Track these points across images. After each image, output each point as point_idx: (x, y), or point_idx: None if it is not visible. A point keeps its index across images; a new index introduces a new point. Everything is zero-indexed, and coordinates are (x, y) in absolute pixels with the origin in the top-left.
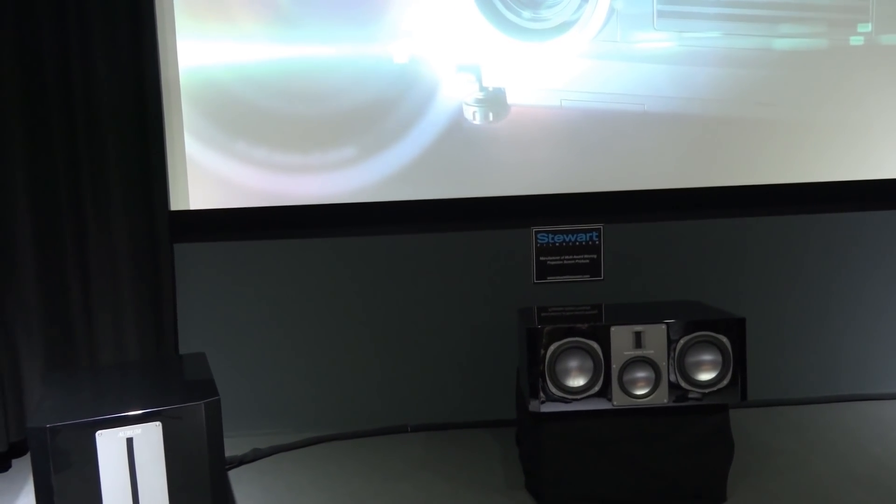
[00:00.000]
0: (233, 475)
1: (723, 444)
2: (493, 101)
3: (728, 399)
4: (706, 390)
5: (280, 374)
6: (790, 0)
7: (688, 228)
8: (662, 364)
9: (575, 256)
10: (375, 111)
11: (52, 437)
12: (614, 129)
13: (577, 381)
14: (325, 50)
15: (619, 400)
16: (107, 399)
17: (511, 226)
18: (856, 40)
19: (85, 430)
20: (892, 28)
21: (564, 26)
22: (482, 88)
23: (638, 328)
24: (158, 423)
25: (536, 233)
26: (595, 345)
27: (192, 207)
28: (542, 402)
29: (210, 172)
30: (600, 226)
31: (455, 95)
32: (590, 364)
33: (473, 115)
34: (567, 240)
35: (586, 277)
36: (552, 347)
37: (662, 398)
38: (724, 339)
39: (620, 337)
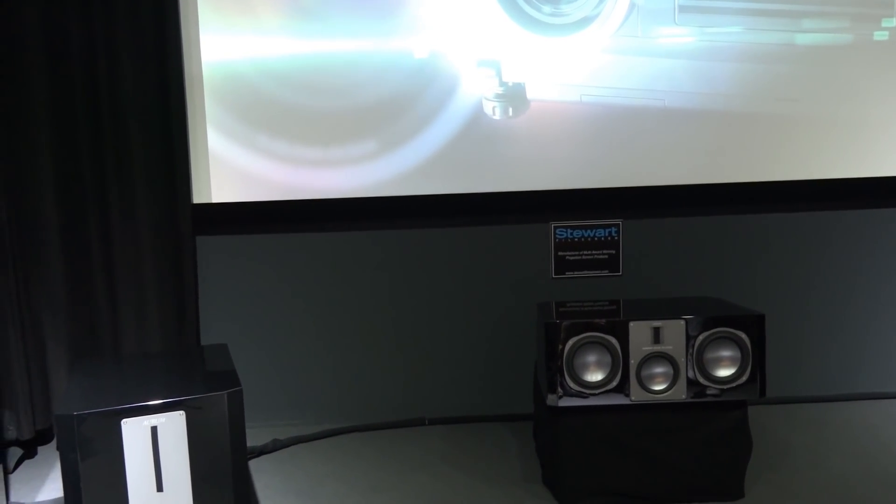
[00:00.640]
0: (253, 465)
1: (741, 440)
2: (513, 96)
3: (747, 395)
4: (724, 386)
5: (300, 365)
6: None
7: (708, 224)
8: (681, 360)
9: (593, 252)
10: (396, 106)
11: (78, 425)
12: (634, 124)
13: (595, 376)
14: (346, 44)
15: (636, 395)
16: (132, 388)
17: (530, 221)
18: (880, 35)
19: (111, 418)
20: None
21: (585, 21)
22: (502, 83)
23: (656, 323)
24: (182, 412)
25: (555, 228)
26: (613, 340)
27: (215, 200)
28: (560, 397)
29: (232, 166)
30: (619, 221)
31: (475, 90)
32: (608, 359)
33: (493, 110)
34: (586, 235)
35: (605, 273)
36: (570, 342)
37: (680, 394)
38: (744, 336)
39: (639, 332)
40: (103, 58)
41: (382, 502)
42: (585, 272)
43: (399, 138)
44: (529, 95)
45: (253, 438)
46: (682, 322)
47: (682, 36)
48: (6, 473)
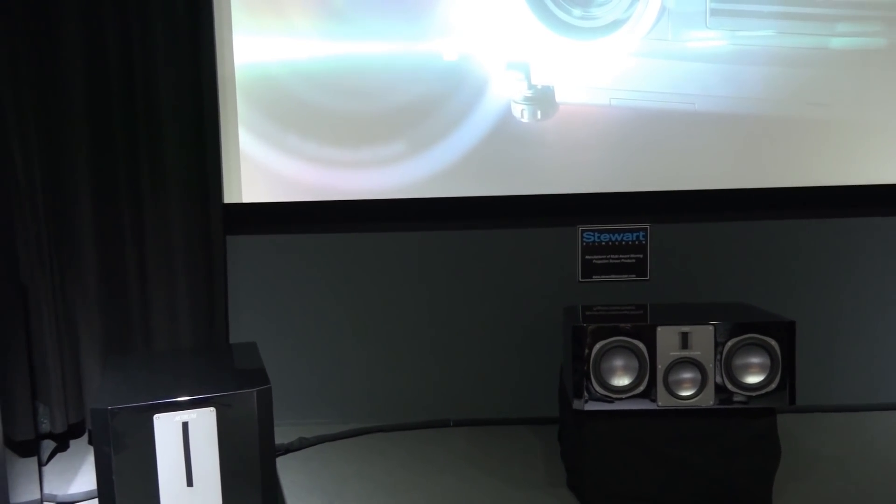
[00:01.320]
0: (279, 463)
1: (769, 448)
2: (542, 99)
3: (776, 403)
4: (753, 393)
5: (326, 365)
6: None
7: (737, 230)
8: (709, 366)
9: (621, 256)
10: (425, 108)
11: (112, 418)
12: (664, 128)
13: (622, 381)
14: (376, 47)
15: (663, 401)
16: (163, 384)
17: (557, 224)
18: None
19: (143, 413)
20: None
21: (615, 24)
22: (531, 86)
23: (685, 329)
24: (213, 409)
25: (582, 231)
26: (640, 344)
27: (245, 200)
28: (586, 401)
29: (262, 166)
30: (647, 225)
31: (503, 93)
32: (635, 364)
33: (522, 113)
34: (613, 239)
35: (632, 277)
36: (597, 346)
37: (708, 400)
38: (773, 342)
39: (667, 337)
40: (139, 60)
41: (407, 503)
42: (612, 276)
43: (428, 140)
44: (558, 98)
45: (279, 436)
46: (711, 327)
47: (713, 39)
48: (40, 465)
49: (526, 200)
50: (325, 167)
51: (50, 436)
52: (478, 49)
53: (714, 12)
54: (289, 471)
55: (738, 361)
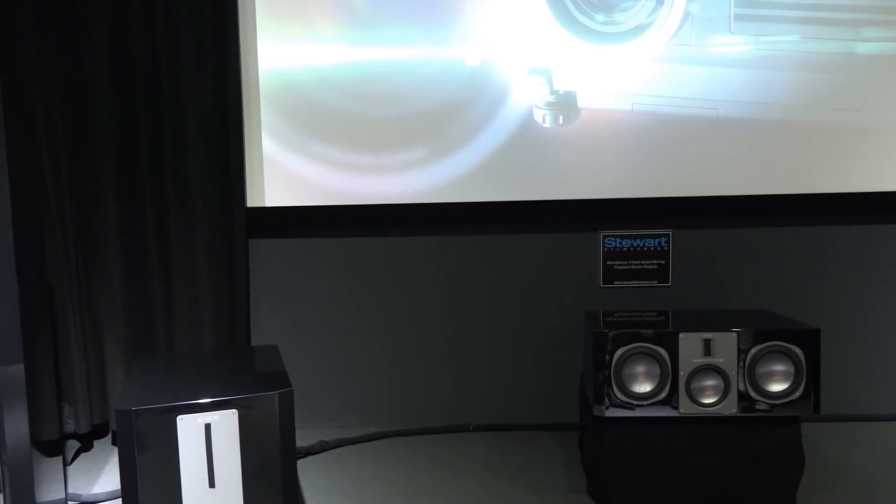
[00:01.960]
0: (299, 465)
1: (793, 457)
2: (564, 105)
3: (800, 411)
4: (777, 402)
5: (346, 368)
6: (874, 3)
7: (761, 236)
8: (732, 373)
9: (643, 262)
10: (446, 113)
11: (136, 420)
12: (687, 133)
13: (644, 387)
14: (399, 52)
15: (685, 408)
16: (186, 386)
17: (579, 229)
18: None
19: (167, 414)
20: None
21: (638, 30)
22: (553, 92)
23: (707, 335)
24: (235, 411)
25: (604, 237)
26: (662, 351)
27: (268, 204)
28: (607, 407)
29: (285, 171)
30: (669, 231)
31: (525, 98)
32: (656, 370)
33: (543, 119)
34: (635, 245)
35: (654, 283)
36: (619, 352)
37: (731, 408)
38: (798, 350)
39: (689, 344)
40: (165, 66)
41: None
42: (634, 282)
43: (450, 145)
44: (580, 104)
45: (300, 439)
46: (734, 334)
47: (737, 45)
48: (64, 465)
49: (547, 206)
50: (347, 172)
51: (74, 436)
52: (500, 54)
53: (738, 17)
54: (309, 473)
55: (762, 369)
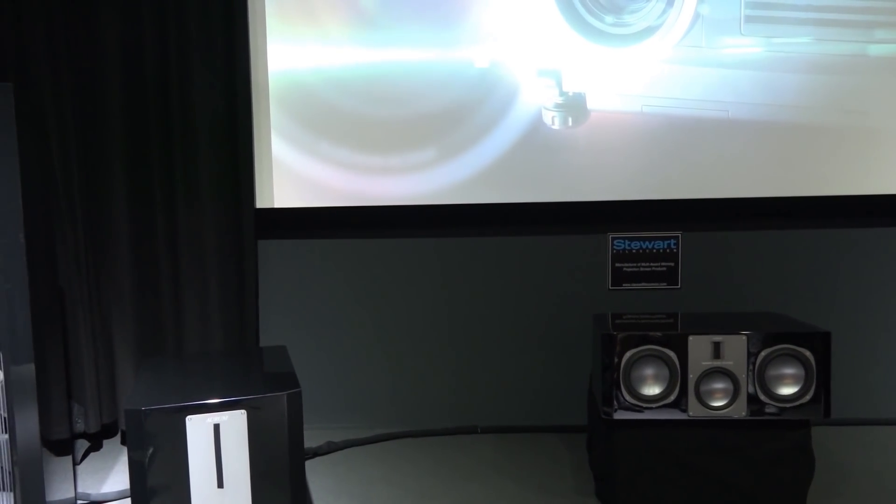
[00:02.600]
0: (307, 466)
1: (803, 461)
2: (573, 106)
3: (810, 415)
4: (787, 405)
5: (355, 370)
6: (886, 4)
7: (771, 238)
8: (741, 376)
9: (651, 264)
10: (455, 114)
11: (146, 419)
12: (696, 135)
13: (652, 390)
14: (408, 54)
15: (694, 410)
16: (195, 386)
17: (588, 231)
18: None
19: (176, 414)
20: None
21: (648, 31)
22: (562, 93)
23: (717, 338)
24: (243, 412)
25: (613, 239)
26: (672, 353)
27: (277, 205)
28: (616, 410)
29: (294, 172)
30: (678, 233)
31: (535, 100)
32: (665, 373)
33: (553, 120)
34: (644, 247)
35: (663, 285)
36: (627, 354)
37: (740, 411)
38: (808, 353)
39: (698, 346)
40: (175, 68)
41: None
42: (643, 284)
43: (458, 147)
44: (590, 105)
45: (308, 440)
46: (744, 337)
47: (747, 46)
48: (74, 465)
49: (556, 207)
50: (356, 173)
51: (84, 435)
52: (509, 56)
53: (749, 19)
54: (317, 474)
55: (772, 372)
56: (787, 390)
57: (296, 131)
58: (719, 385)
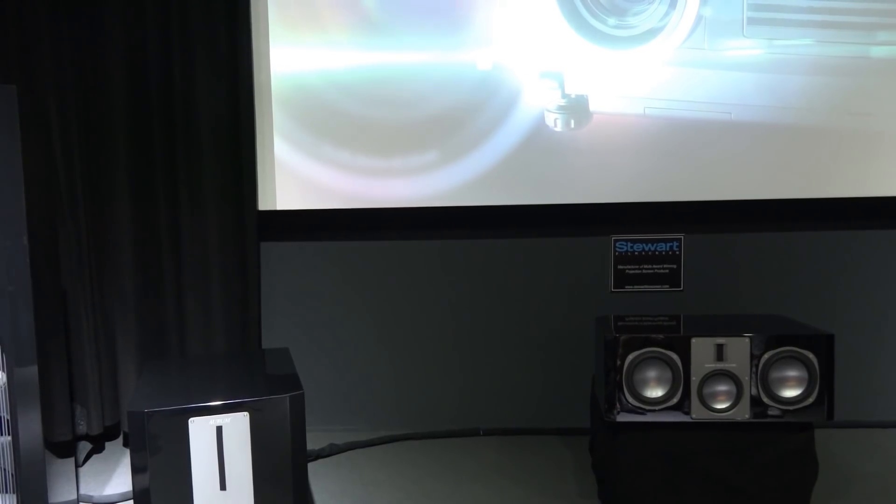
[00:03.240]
0: (309, 468)
1: (807, 463)
2: (575, 108)
3: (813, 417)
4: (790, 407)
5: (357, 372)
6: (889, 6)
7: (773, 241)
8: (745, 378)
9: (654, 266)
10: (458, 117)
11: (148, 421)
12: (699, 137)
13: (655, 392)
14: (411, 57)
15: (697, 413)
16: (198, 388)
17: (590, 233)
18: None
19: (179, 417)
20: None
21: (650, 34)
22: (564, 95)
23: (720, 340)
24: (246, 414)
25: (615, 241)
26: (674, 356)
27: (279, 208)
28: (618, 412)
29: (297, 174)
30: (681, 236)
31: (537, 102)
32: (668, 375)
33: (555, 122)
34: (647, 249)
35: (665, 287)
36: (630, 357)
37: (744, 413)
38: (811, 356)
39: (701, 349)
40: (178, 70)
41: None
42: (645, 286)
43: (461, 149)
44: (592, 107)
45: (310, 442)
46: (747, 339)
47: (750, 48)
48: (76, 467)
49: (558, 210)
50: (359, 175)
51: (86, 437)
52: (512, 59)
53: (751, 21)
54: (319, 477)
55: (775, 374)
56: (790, 393)
57: (298, 133)
58: (722, 387)
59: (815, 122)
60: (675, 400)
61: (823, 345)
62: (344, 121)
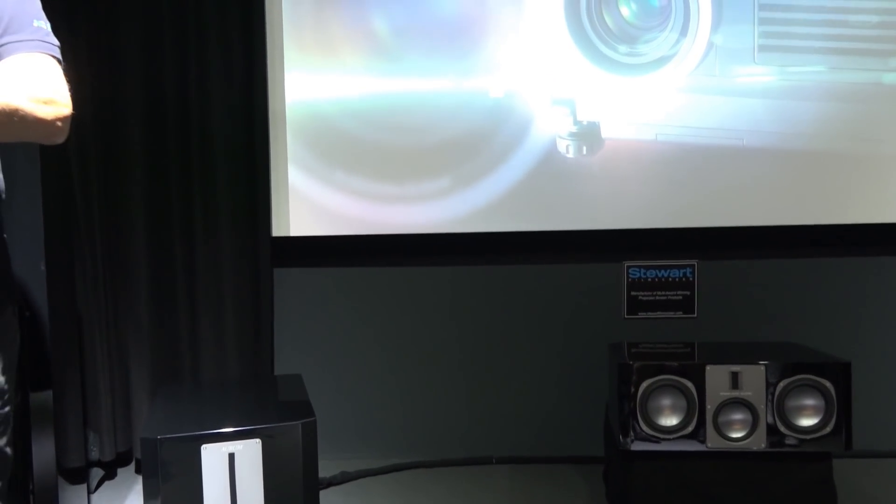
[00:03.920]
0: (321, 496)
1: (825, 494)
2: (587, 135)
3: (831, 447)
4: (807, 437)
5: (369, 399)
6: None
7: (788, 267)
8: (760, 407)
9: (667, 292)
10: (470, 144)
11: (161, 448)
12: (711, 164)
13: (670, 421)
14: (423, 84)
15: (713, 442)
16: (211, 415)
17: (603, 260)
18: None
19: (191, 443)
20: None
21: (661, 61)
22: (576, 122)
23: (735, 368)
24: (258, 440)
25: (628, 267)
26: (689, 383)
27: (293, 234)
28: (632, 441)
29: (310, 201)
30: (694, 262)
31: (549, 129)
32: (683, 403)
33: (567, 149)
34: (660, 275)
35: (679, 314)
36: (644, 384)
37: (760, 442)
38: (828, 384)
39: (716, 376)
40: (194, 97)
41: None
42: (659, 313)
43: (473, 175)
44: (604, 134)
45: (321, 470)
46: (762, 367)
47: (761, 75)
48: (89, 493)
49: (571, 236)
50: (371, 202)
51: (98, 463)
52: (524, 86)
53: (762, 48)
54: None
55: (791, 403)
56: (807, 421)
57: (312, 160)
58: (738, 416)
59: (827, 148)
60: (689, 428)
61: (840, 372)
62: (357, 147)
